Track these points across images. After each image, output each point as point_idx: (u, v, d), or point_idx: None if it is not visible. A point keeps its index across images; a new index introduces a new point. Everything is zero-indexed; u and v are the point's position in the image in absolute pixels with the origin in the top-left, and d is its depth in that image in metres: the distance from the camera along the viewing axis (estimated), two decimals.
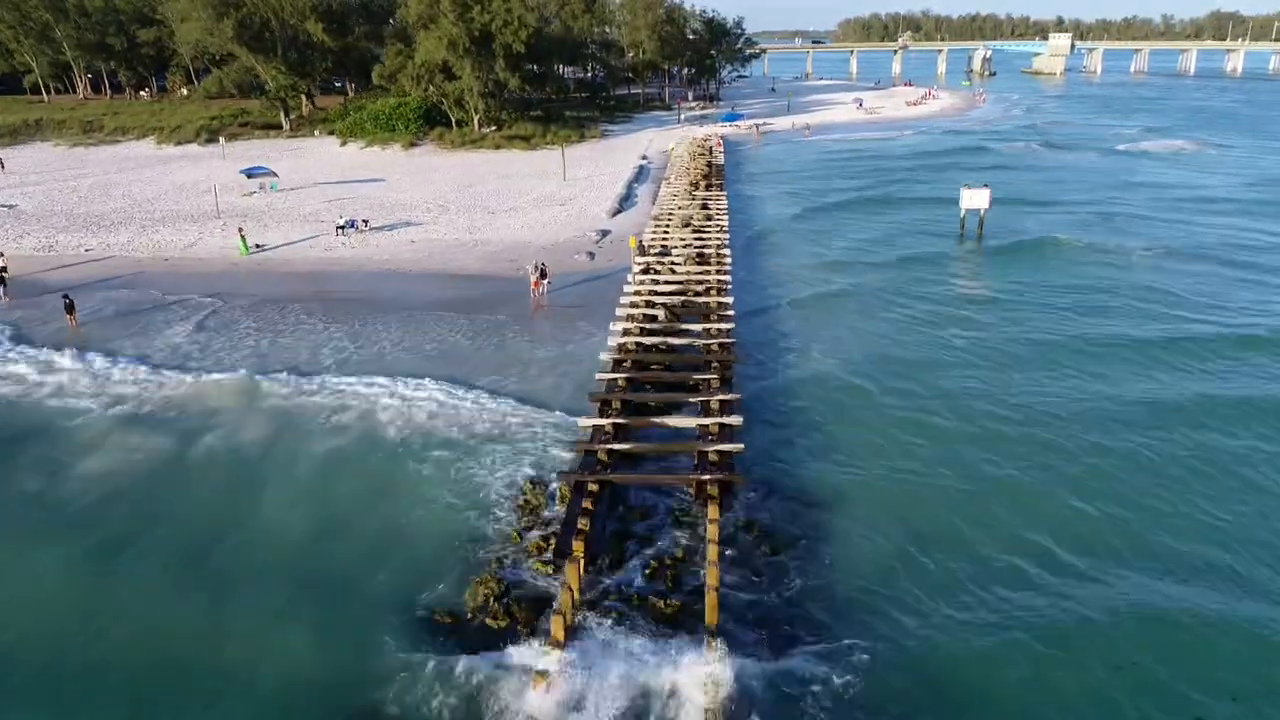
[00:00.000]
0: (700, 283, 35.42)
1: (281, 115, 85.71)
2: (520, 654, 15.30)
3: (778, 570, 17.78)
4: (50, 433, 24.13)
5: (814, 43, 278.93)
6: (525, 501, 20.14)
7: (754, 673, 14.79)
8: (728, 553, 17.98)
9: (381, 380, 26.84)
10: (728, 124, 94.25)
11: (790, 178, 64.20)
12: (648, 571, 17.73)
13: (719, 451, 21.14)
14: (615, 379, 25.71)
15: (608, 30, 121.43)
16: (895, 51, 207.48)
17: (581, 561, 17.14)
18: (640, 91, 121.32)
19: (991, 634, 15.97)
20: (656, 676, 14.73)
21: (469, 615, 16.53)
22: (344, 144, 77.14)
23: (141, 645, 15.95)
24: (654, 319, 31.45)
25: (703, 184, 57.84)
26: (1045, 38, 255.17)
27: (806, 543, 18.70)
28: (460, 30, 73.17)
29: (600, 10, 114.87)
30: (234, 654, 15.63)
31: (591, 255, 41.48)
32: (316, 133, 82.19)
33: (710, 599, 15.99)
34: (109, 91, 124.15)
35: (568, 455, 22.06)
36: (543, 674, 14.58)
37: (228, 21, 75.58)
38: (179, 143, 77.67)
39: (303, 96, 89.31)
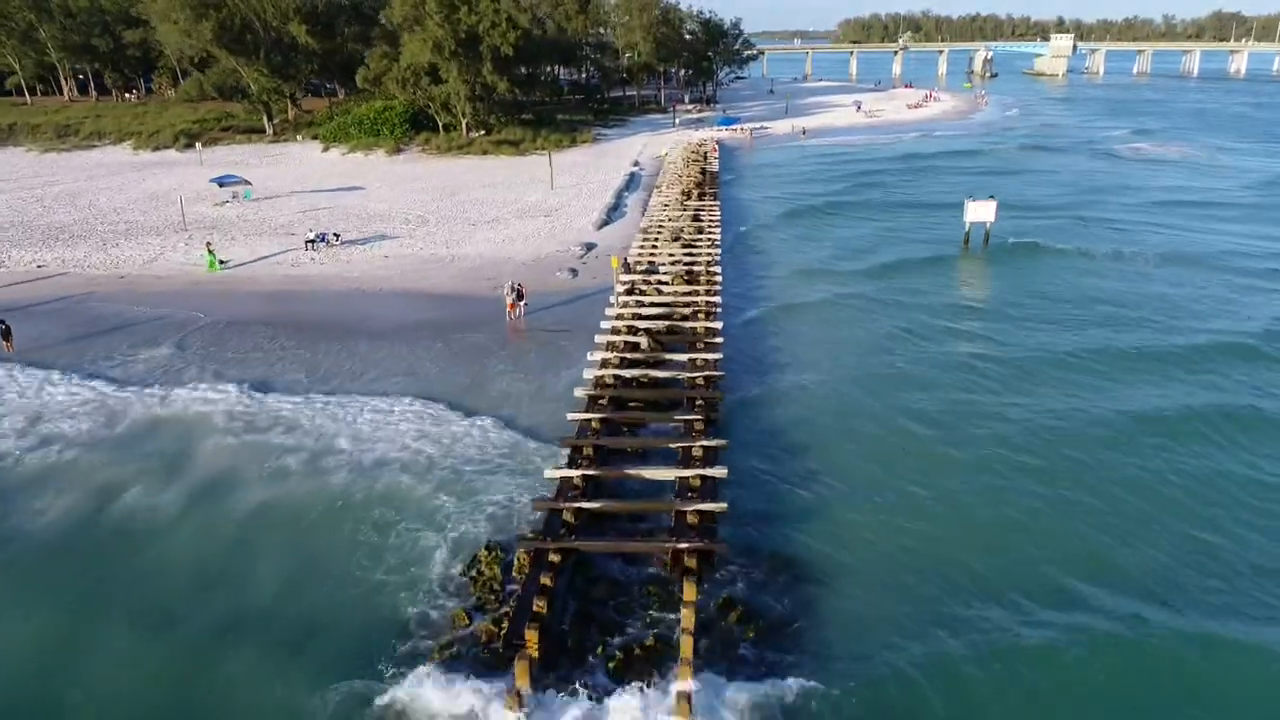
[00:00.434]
0: (688, 304, 33.06)
1: (264, 119, 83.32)
2: None
3: (762, 663, 15.38)
4: None
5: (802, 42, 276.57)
6: (478, 574, 17.72)
7: None
8: (703, 643, 15.56)
9: (333, 420, 24.47)
10: (724, 128, 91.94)
11: (784, 185, 61.76)
12: (612, 665, 15.33)
13: (699, 512, 18.78)
14: (589, 419, 23.32)
15: (602, 31, 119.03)
16: (895, 52, 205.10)
17: (533, 658, 14.75)
18: (635, 94, 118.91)
19: None
20: None
21: None
22: (326, 149, 74.80)
23: None
24: (636, 347, 29.05)
25: (695, 192, 55.47)
26: (1046, 38, 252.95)
27: (797, 626, 16.31)
28: (446, 32, 70.80)
29: (595, 11, 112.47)
30: None
31: (574, 272, 39.09)
32: (300, 137, 79.80)
33: (681, 710, 13.63)
34: (95, 94, 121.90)
35: (533, 505, 19.70)
36: None
37: (207, 23, 73.19)
38: (156, 148, 75.27)
39: (287, 100, 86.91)
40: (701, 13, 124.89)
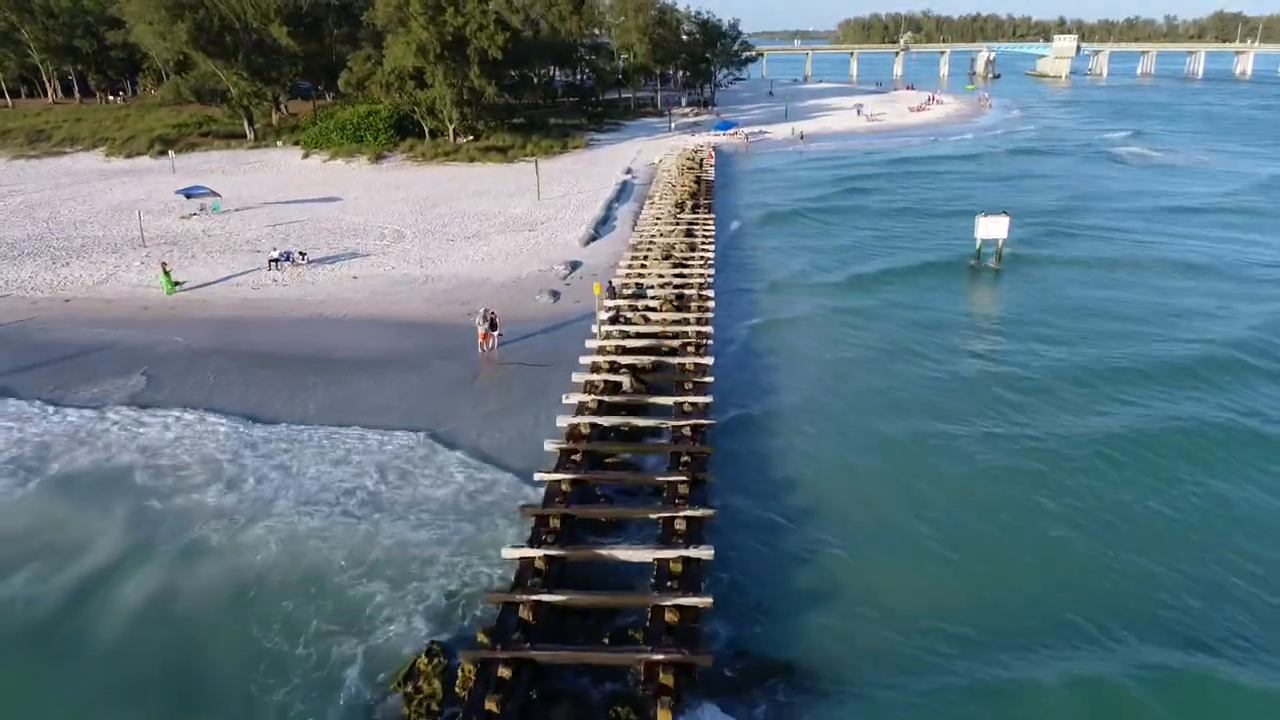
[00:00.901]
0: (676, 336, 30.22)
1: (245, 124, 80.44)
2: None
3: None
4: None
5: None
6: (414, 690, 14.86)
7: None
8: None
9: (268, 479, 21.62)
10: (722, 133, 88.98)
11: (780, 192, 58.85)
12: None
13: (679, 607, 15.96)
14: (560, 481, 20.48)
15: (597, 32, 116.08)
16: (897, 53, 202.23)
17: None
18: (631, 96, 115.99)
19: None
20: None
21: None
22: (306, 156, 71.90)
23: None
24: (617, 388, 26.21)
25: (689, 203, 52.63)
26: (1047, 39, 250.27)
27: None
28: (431, 34, 67.92)
29: (589, 12, 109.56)
30: None
31: (555, 295, 36.22)
32: (280, 143, 76.92)
33: None
34: (80, 96, 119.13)
35: (486, 597, 16.87)
36: None
37: (182, 24, 70.25)
38: (129, 155, 72.34)
39: (270, 104, 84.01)
40: (699, 13, 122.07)
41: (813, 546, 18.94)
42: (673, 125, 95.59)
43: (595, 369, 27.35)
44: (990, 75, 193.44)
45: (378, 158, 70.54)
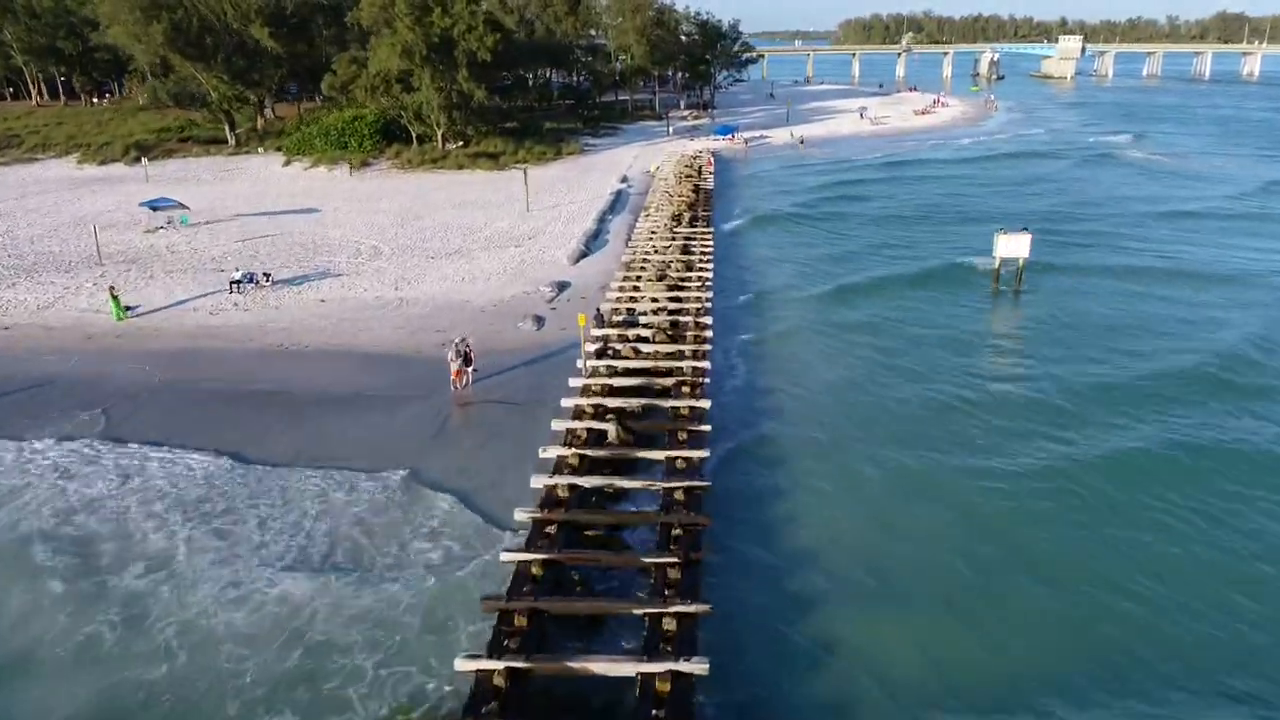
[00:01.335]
0: (670, 372, 27.23)
1: (226, 129, 77.40)
2: None
3: None
4: None
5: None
6: None
7: None
8: None
9: (187, 570, 18.61)
10: (721, 137, 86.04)
11: (780, 202, 55.87)
12: None
13: None
14: (530, 563, 17.48)
15: (593, 33, 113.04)
16: (899, 54, 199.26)
17: None
18: (629, 99, 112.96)
19: None
20: None
21: None
22: (288, 163, 68.84)
23: None
24: (602, 437, 23.22)
25: (687, 215, 49.63)
26: (1049, 39, 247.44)
27: None
28: (417, 36, 64.90)
29: (585, 12, 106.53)
30: None
31: (540, 322, 33.22)
32: (261, 149, 73.88)
33: None
34: (65, 98, 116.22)
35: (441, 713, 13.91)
36: None
37: (158, 25, 67.18)
38: (103, 162, 69.23)
39: (253, 108, 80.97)
40: (698, 14, 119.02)
41: (821, 623, 16.17)
42: (671, 129, 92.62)
43: (578, 414, 24.36)
44: (994, 76, 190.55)
45: (362, 164, 67.54)
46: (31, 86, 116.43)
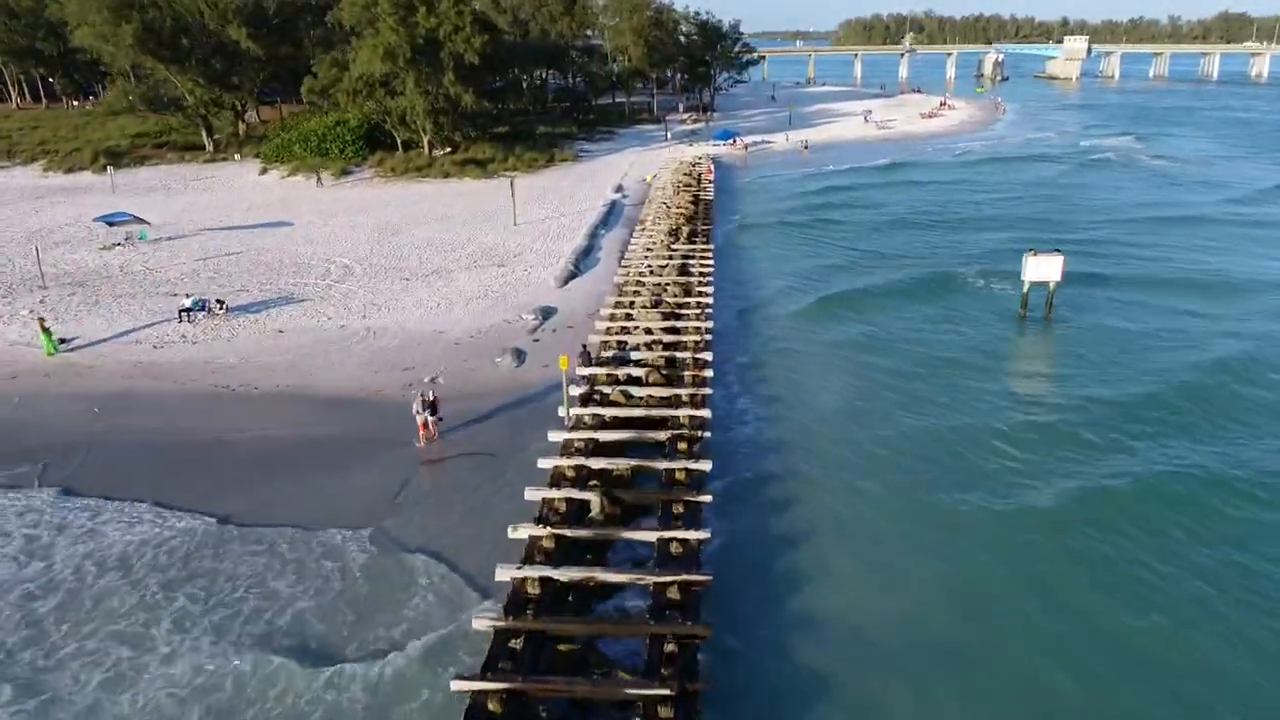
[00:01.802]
0: (665, 422, 23.82)
1: (204, 134, 73.88)
2: None
3: None
4: None
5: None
6: None
7: None
8: None
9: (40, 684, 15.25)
10: (722, 142, 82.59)
11: (787, 215, 52.49)
12: None
13: None
14: (486, 695, 14.07)
15: (589, 34, 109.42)
16: (902, 55, 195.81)
17: None
18: (626, 101, 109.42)
19: None
20: None
21: None
22: (264, 172, 65.36)
23: None
24: (584, 510, 19.79)
25: (685, 230, 46.15)
26: (1051, 39, 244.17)
27: None
28: (401, 37, 61.42)
29: (581, 12, 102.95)
30: None
31: (520, 357, 29.78)
32: (238, 156, 70.33)
33: None
34: (46, 101, 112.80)
35: None
36: None
37: (128, 26, 63.61)
38: (70, 170, 65.69)
39: (231, 112, 77.42)
40: (698, 14, 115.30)
41: None
42: (669, 134, 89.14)
43: (556, 478, 20.93)
44: (999, 77, 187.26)
45: (343, 173, 64.04)
46: (11, 89, 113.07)
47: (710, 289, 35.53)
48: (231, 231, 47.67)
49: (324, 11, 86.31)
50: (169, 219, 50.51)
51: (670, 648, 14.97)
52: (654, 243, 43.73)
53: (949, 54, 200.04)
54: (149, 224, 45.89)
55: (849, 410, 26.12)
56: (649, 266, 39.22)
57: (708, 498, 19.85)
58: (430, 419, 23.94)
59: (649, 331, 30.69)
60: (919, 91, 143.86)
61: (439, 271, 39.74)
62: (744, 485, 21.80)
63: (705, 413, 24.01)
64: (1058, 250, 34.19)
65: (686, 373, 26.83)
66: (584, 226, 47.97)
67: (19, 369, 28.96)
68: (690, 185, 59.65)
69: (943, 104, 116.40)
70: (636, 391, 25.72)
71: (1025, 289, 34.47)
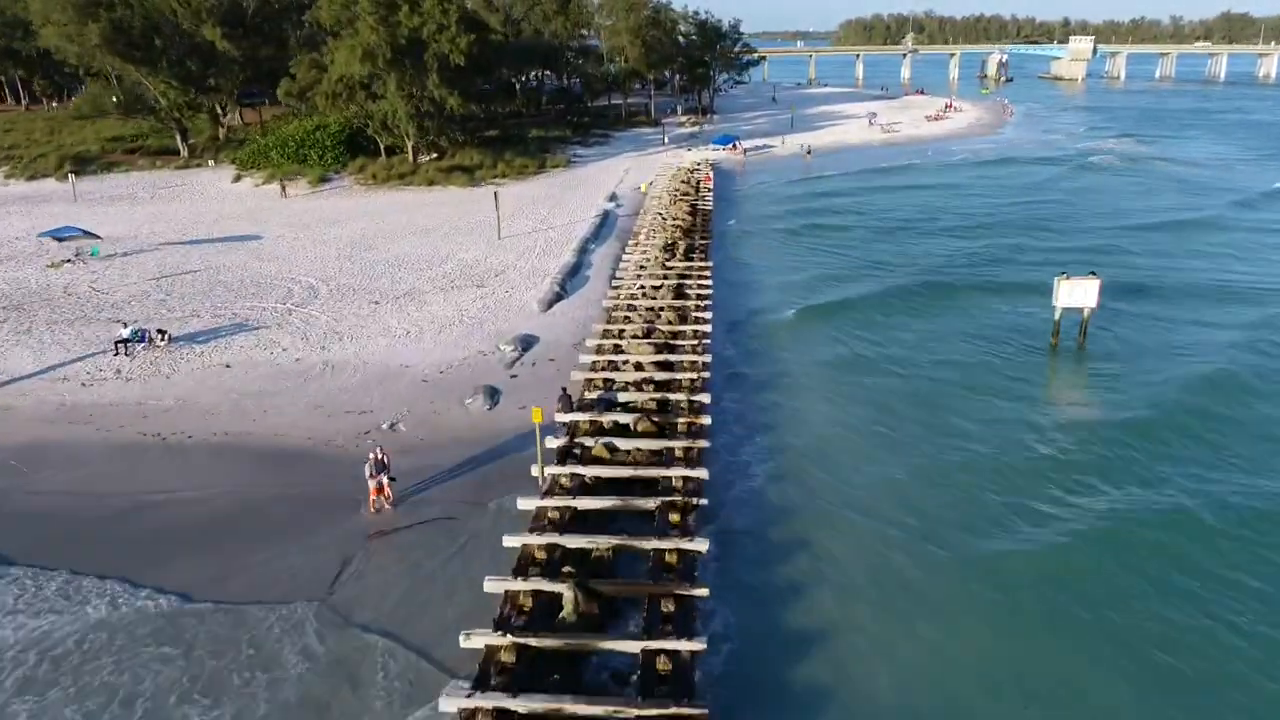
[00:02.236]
0: (654, 485, 20.44)
1: (178, 138, 70.44)
2: None
3: None
4: None
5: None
6: None
7: None
8: None
9: None
10: (721, 147, 79.17)
11: (793, 223, 49.14)
12: None
13: None
14: None
15: (585, 34, 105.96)
16: (904, 55, 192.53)
17: None
18: (623, 103, 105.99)
19: None
20: None
21: None
22: (238, 179, 61.94)
23: None
24: (553, 606, 16.42)
25: (682, 245, 42.69)
26: (1053, 39, 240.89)
27: None
28: (381, 37, 58.03)
29: (576, 12, 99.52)
30: None
31: (494, 397, 26.39)
32: (213, 162, 66.88)
33: None
34: (26, 103, 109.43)
35: None
36: None
37: (95, 25, 60.18)
38: (33, 177, 62.24)
39: (208, 115, 73.97)
40: (697, 13, 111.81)
41: None
42: (666, 138, 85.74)
43: (524, 563, 17.53)
44: (1003, 78, 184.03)
45: (320, 180, 60.65)
46: None
47: (709, 314, 32.12)
48: (193, 246, 44.27)
49: (301, 10, 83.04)
50: (129, 231, 47.16)
51: None
52: (648, 259, 40.34)
53: (952, 54, 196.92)
54: (101, 239, 42.44)
55: (870, 460, 22.77)
56: (641, 288, 35.84)
57: (703, 591, 16.47)
58: (385, 480, 20.58)
59: (639, 367, 27.31)
60: (923, 93, 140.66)
61: (411, 293, 36.34)
62: (749, 565, 18.45)
63: (702, 473, 20.65)
64: (1093, 273, 30.83)
65: (681, 419, 23.44)
66: (573, 241, 44.59)
67: None
68: (688, 195, 56.25)
69: (948, 106, 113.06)
70: (623, 444, 22.31)
71: (1057, 316, 31.09)
